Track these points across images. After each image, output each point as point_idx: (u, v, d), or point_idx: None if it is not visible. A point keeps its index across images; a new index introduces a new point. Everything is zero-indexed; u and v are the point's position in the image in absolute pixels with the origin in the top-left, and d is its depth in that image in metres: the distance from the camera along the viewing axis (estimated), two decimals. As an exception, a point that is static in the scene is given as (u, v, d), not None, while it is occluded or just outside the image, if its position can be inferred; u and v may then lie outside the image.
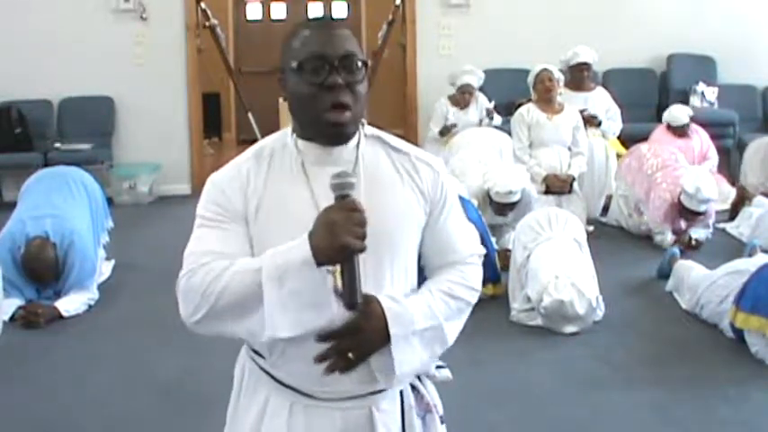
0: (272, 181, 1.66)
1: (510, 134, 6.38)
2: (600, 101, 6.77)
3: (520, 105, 6.48)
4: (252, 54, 11.31)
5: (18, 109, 7.62)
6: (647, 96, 8.28)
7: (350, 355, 1.61)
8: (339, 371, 1.61)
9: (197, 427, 3.33)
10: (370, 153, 1.69)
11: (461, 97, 7.30)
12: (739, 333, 4.14)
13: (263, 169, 1.67)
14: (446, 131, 7.19)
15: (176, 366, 4.05)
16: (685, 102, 7.90)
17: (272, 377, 1.68)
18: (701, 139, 7.16)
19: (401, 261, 1.68)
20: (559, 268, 4.43)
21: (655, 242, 5.95)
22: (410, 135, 7.91)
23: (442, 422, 1.79)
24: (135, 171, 7.79)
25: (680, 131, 7.06)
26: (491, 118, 7.25)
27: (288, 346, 1.61)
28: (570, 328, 4.40)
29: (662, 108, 7.64)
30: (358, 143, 1.68)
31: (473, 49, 7.95)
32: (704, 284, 4.53)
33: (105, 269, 5.38)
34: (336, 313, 1.57)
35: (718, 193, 6.05)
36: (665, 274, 5.14)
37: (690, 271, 4.83)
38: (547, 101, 6.19)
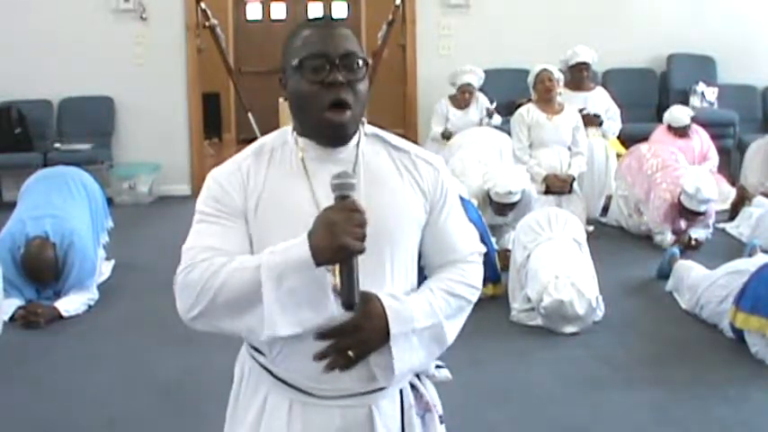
0: (272, 178, 1.65)
1: (510, 134, 6.38)
2: (599, 101, 6.77)
3: (520, 105, 6.48)
4: (252, 54, 11.31)
5: (18, 109, 7.63)
6: (647, 96, 8.28)
7: (350, 352, 1.61)
8: (339, 368, 1.62)
9: (197, 427, 3.34)
10: (370, 151, 1.69)
11: (462, 96, 7.30)
12: (739, 333, 4.14)
13: (263, 166, 1.67)
14: (448, 136, 7.17)
15: (176, 366, 4.05)
16: (685, 102, 7.90)
17: (272, 374, 1.68)
18: (701, 139, 7.16)
19: (401, 259, 1.68)
20: (559, 268, 4.43)
21: (655, 242, 5.95)
22: (410, 135, 7.90)
23: (441, 422, 1.79)
24: (135, 171, 7.79)
25: (680, 132, 7.06)
26: (491, 118, 7.25)
27: (287, 343, 1.61)
28: (570, 329, 4.40)
29: (662, 108, 7.64)
30: (358, 142, 1.68)
31: (473, 49, 7.94)
32: (704, 284, 4.53)
33: (105, 269, 5.38)
34: (335, 312, 1.56)
35: (719, 194, 6.05)
36: (664, 275, 5.14)
37: (690, 271, 4.83)
38: (547, 101, 6.19)
